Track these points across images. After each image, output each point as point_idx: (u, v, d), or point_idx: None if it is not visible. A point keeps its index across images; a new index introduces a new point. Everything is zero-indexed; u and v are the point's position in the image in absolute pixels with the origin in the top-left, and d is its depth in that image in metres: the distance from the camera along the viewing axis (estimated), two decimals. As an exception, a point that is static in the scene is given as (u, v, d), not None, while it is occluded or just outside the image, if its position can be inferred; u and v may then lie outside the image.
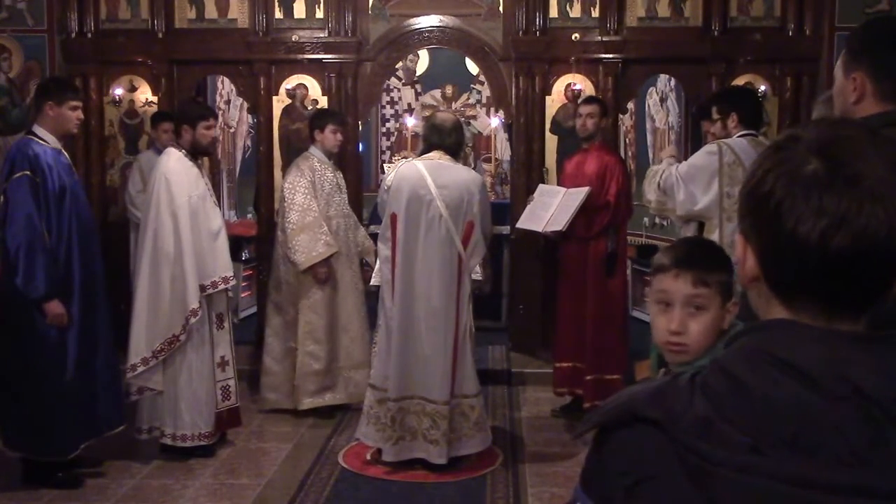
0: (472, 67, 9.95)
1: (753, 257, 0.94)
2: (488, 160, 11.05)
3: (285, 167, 6.10)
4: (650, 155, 9.11)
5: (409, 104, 12.21)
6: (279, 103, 6.77)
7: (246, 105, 8.55)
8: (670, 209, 4.43)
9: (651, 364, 2.04)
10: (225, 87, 9.41)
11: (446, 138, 4.70)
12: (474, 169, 8.21)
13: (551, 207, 5.43)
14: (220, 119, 8.25)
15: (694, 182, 4.23)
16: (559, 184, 5.97)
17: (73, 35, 6.71)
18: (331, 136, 5.69)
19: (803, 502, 0.82)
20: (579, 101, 6.11)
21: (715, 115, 4.55)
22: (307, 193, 5.54)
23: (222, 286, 4.83)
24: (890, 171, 0.87)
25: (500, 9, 7.07)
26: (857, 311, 0.92)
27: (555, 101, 6.70)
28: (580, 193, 5.31)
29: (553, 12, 6.64)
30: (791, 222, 0.88)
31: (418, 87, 12.17)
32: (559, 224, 5.31)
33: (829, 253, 0.87)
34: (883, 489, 0.82)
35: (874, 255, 0.87)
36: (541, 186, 5.96)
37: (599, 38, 6.59)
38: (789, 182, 0.89)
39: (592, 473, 0.99)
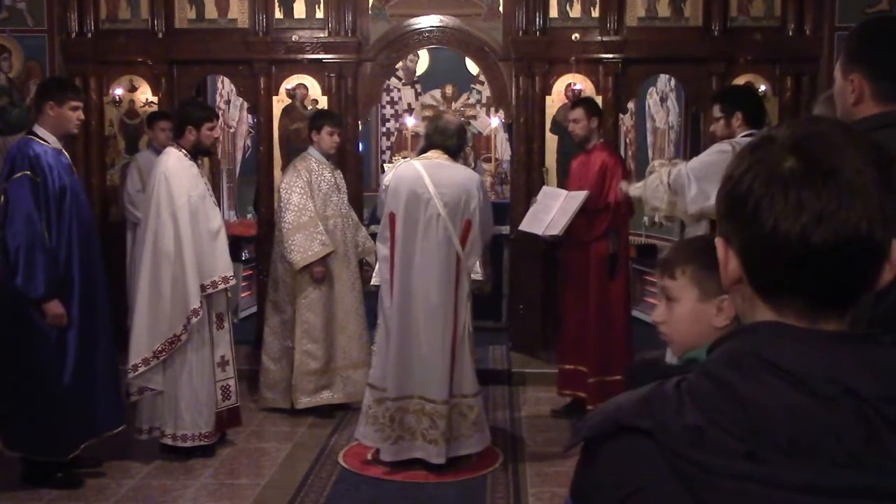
0: (472, 67, 9.95)
1: (735, 259, 0.94)
2: (488, 160, 11.06)
3: (285, 167, 6.10)
4: (650, 155, 9.11)
5: (409, 104, 12.21)
6: (279, 103, 6.77)
7: (246, 105, 8.55)
8: (681, 210, 4.39)
9: None
10: (225, 87, 9.41)
11: (448, 140, 4.70)
12: (474, 169, 8.20)
13: (552, 210, 5.42)
14: (220, 119, 8.25)
15: (707, 180, 4.18)
16: (564, 184, 5.95)
17: (73, 35, 6.71)
18: (327, 137, 5.70)
19: None
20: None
21: (717, 114, 4.51)
22: (303, 193, 5.56)
23: (222, 286, 4.83)
24: (866, 165, 0.87)
25: (500, 9, 7.07)
26: (841, 308, 0.91)
27: (555, 101, 6.70)
28: (578, 197, 5.30)
29: (553, 12, 6.65)
30: (771, 220, 0.88)
31: (418, 87, 12.18)
32: (557, 228, 5.30)
33: (811, 249, 0.87)
34: (881, 489, 0.81)
35: (855, 248, 0.87)
36: (544, 188, 5.93)
37: (599, 38, 6.59)
38: (767, 181, 0.89)
39: (583, 486, 0.98)
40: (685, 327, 1.68)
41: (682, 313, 1.67)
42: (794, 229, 0.87)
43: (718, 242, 0.96)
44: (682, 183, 4.26)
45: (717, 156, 4.23)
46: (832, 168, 0.87)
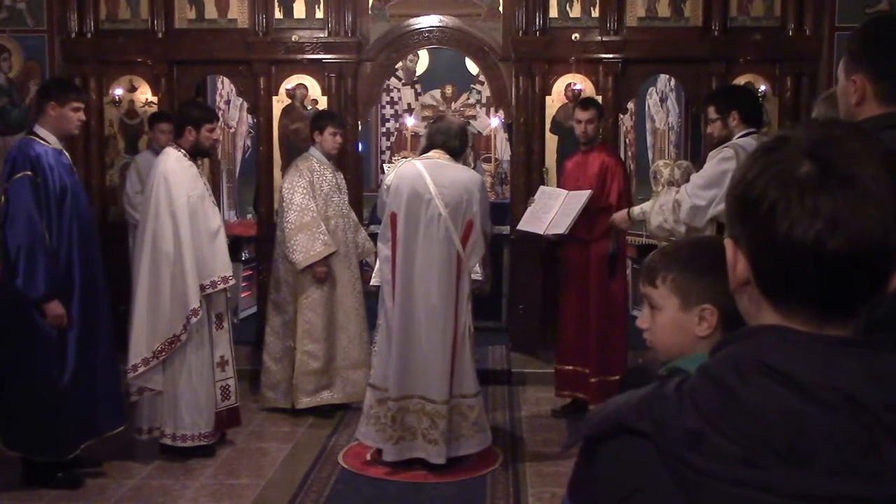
0: (472, 67, 9.95)
1: (744, 261, 0.93)
2: (488, 160, 11.05)
3: (285, 167, 6.11)
4: (650, 155, 9.11)
5: (409, 104, 12.21)
6: (279, 103, 6.77)
7: (246, 105, 8.55)
8: (700, 229, 4.40)
9: None
10: (225, 87, 9.40)
11: (450, 141, 4.70)
12: (474, 169, 8.19)
13: (552, 210, 5.41)
14: (220, 119, 8.24)
15: (719, 186, 4.15)
16: (559, 184, 5.96)
17: (73, 35, 6.71)
18: (330, 138, 5.71)
19: None
20: (577, 102, 6.07)
21: (713, 115, 4.49)
22: (305, 194, 5.56)
23: (221, 286, 4.83)
24: (882, 172, 0.87)
25: (500, 9, 7.08)
26: (847, 314, 0.91)
27: (555, 101, 6.70)
28: (582, 197, 5.29)
29: (553, 12, 6.65)
30: (785, 225, 0.87)
31: (418, 87, 12.18)
32: (561, 227, 5.29)
33: (825, 255, 0.86)
34: (877, 498, 0.81)
35: (869, 256, 0.86)
36: (542, 188, 5.93)
37: (599, 38, 6.59)
38: (782, 184, 0.88)
39: (581, 486, 0.97)
40: (667, 336, 1.65)
41: (664, 321, 1.64)
42: (809, 235, 0.86)
43: (728, 243, 0.95)
44: (697, 211, 4.23)
45: (724, 163, 4.18)
46: (849, 174, 0.86)
